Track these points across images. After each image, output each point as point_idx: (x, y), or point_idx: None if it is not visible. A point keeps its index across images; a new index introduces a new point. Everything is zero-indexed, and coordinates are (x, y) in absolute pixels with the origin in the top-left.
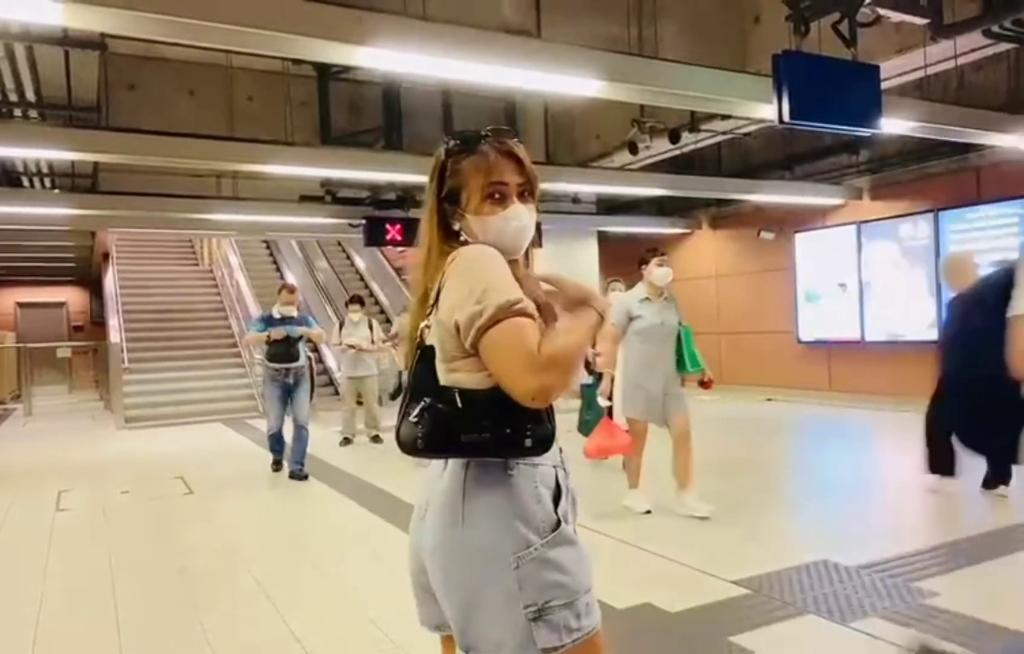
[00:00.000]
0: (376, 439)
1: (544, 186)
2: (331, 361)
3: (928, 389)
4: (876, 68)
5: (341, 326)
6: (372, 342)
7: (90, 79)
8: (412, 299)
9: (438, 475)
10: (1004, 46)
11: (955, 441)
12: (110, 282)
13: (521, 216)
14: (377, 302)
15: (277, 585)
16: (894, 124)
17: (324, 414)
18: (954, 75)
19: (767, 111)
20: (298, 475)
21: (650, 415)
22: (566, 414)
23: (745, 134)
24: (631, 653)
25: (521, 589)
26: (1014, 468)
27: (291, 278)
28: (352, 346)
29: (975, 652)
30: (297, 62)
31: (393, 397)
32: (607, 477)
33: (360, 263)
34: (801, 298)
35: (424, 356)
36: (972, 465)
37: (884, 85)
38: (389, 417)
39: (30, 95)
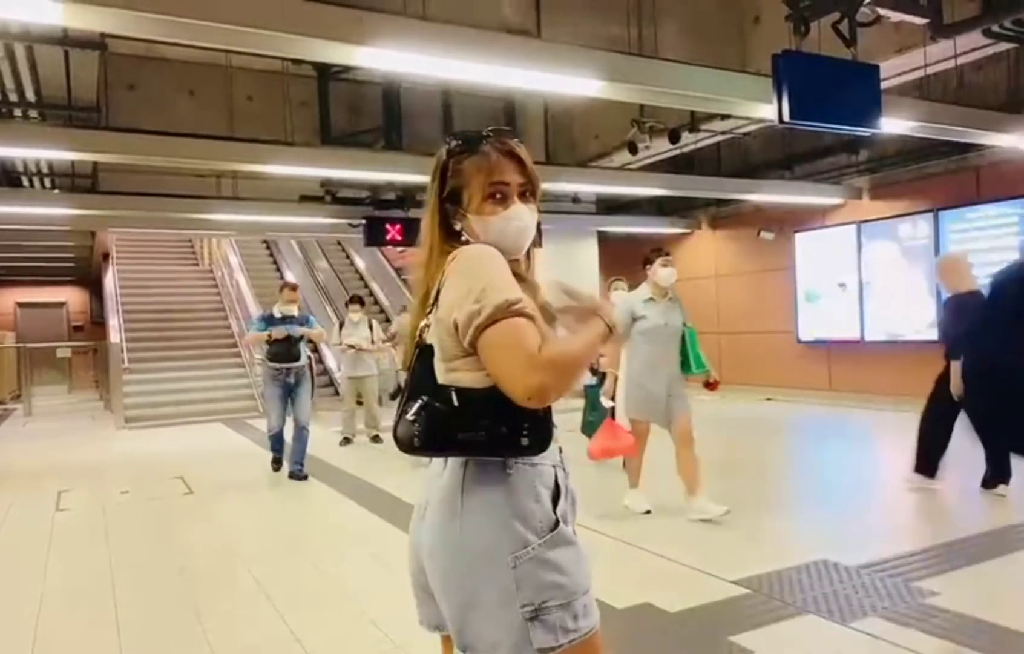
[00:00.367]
0: (376, 439)
1: (544, 186)
2: (331, 361)
3: (927, 389)
4: (876, 68)
5: (341, 326)
6: (372, 342)
7: (90, 79)
8: (413, 299)
9: (438, 474)
10: (1004, 46)
11: (973, 438)
12: (110, 282)
13: (522, 216)
14: (377, 302)
15: (277, 585)
16: (894, 124)
17: (324, 414)
18: (954, 75)
19: (767, 111)
20: (298, 475)
21: (653, 416)
22: (568, 414)
23: (745, 134)
24: (631, 653)
25: (518, 589)
26: (1013, 468)
27: (291, 278)
28: (352, 346)
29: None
30: (297, 62)
31: (393, 397)
32: (607, 477)
33: (360, 263)
34: (801, 298)
35: (423, 355)
36: (972, 465)
37: (884, 85)
38: (389, 417)
39: (30, 95)
